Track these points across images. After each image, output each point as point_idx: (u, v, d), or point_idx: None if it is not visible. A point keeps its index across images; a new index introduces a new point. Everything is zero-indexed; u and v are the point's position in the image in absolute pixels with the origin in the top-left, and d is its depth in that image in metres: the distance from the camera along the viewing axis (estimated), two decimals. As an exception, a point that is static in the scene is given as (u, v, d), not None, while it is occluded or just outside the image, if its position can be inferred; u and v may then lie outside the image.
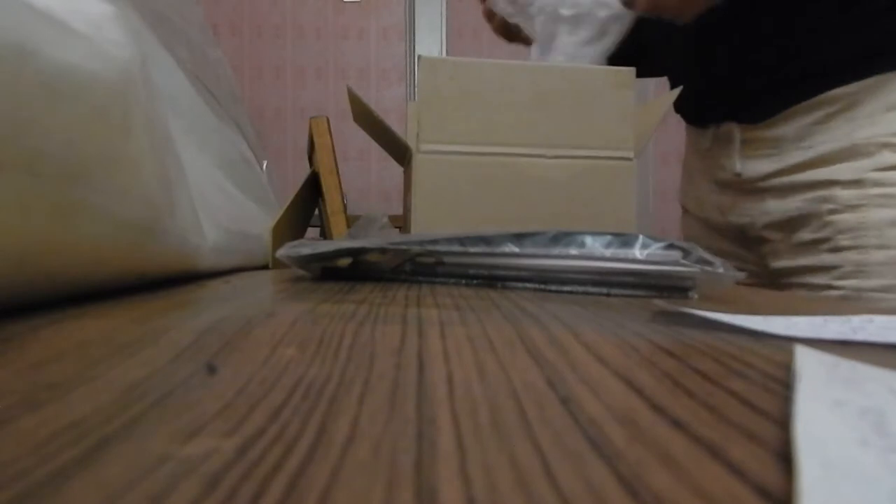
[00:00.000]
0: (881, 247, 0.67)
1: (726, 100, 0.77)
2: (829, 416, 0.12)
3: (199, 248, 0.43)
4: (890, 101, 0.66)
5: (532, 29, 0.78)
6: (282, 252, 0.42)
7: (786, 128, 0.72)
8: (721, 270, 0.36)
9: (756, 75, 0.73)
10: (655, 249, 0.38)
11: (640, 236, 0.39)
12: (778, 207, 0.74)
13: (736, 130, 0.75)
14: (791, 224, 0.73)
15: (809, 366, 0.16)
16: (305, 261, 0.43)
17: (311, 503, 0.08)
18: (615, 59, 0.78)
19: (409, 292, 0.37)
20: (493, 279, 0.42)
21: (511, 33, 0.82)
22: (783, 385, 0.15)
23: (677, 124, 0.87)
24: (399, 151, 0.75)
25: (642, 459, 0.10)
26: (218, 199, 0.58)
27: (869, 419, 0.12)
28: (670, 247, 0.38)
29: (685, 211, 0.89)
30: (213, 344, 0.19)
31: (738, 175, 0.76)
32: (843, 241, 0.68)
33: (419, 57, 0.67)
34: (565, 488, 0.09)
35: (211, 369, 0.16)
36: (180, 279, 0.42)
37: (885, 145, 0.66)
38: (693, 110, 0.83)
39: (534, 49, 0.80)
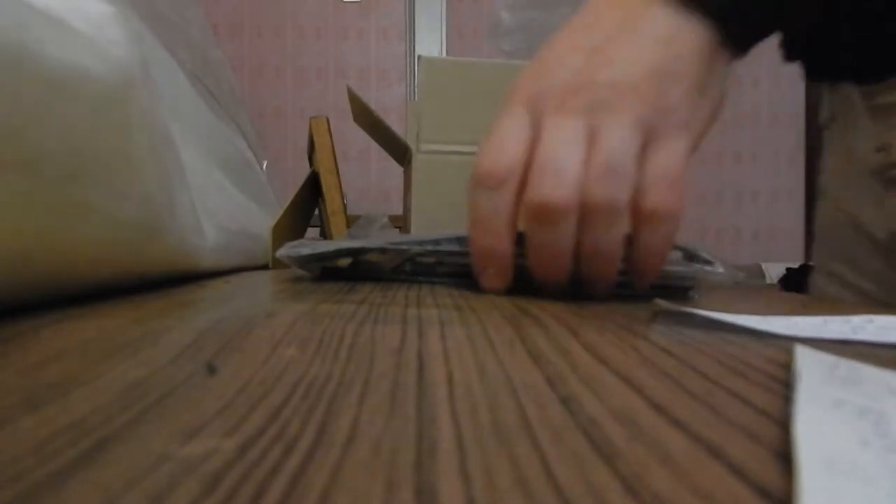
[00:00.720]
0: None
1: (845, 48, 0.52)
2: (829, 416, 0.12)
3: (199, 248, 0.43)
4: None
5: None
6: (282, 252, 0.42)
7: None
8: (721, 270, 0.36)
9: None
10: None
11: None
12: None
13: (856, 94, 0.53)
14: None
15: (809, 366, 0.16)
16: (305, 261, 0.43)
17: (311, 503, 0.08)
18: None
19: (409, 292, 0.37)
20: None
21: None
22: (783, 385, 0.15)
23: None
24: (399, 151, 0.75)
25: (642, 459, 0.10)
26: (218, 199, 0.58)
27: (869, 419, 0.12)
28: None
29: (822, 197, 0.61)
30: (213, 344, 0.19)
31: (881, 150, 0.53)
32: None
33: (419, 57, 0.67)
34: (565, 488, 0.09)
35: (211, 369, 0.16)
36: (180, 279, 0.42)
37: None
38: (803, 56, 0.57)
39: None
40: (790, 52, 0.58)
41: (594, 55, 0.36)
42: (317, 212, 0.88)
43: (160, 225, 0.35)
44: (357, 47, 2.63)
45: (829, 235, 0.60)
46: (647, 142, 0.34)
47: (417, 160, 0.66)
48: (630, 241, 0.35)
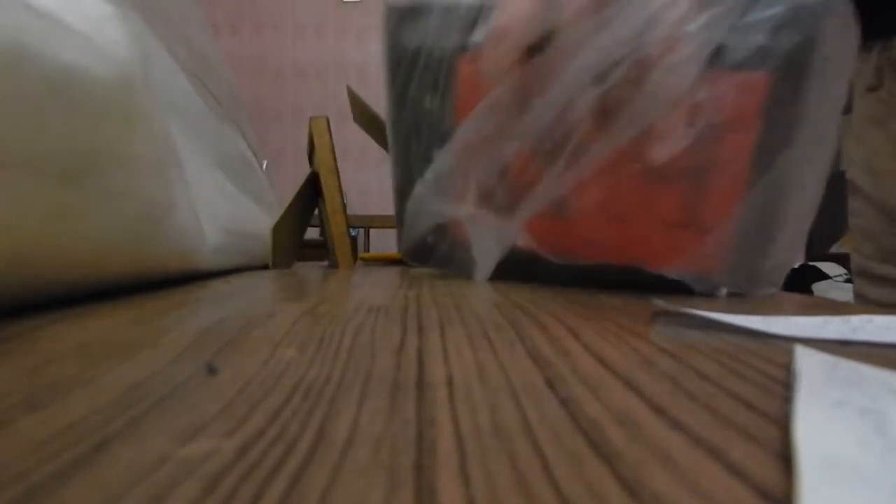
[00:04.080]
0: None
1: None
2: (829, 417, 0.12)
3: (199, 248, 0.43)
4: None
5: None
6: None
7: None
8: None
9: None
10: None
11: None
12: None
13: None
14: None
15: (809, 366, 0.16)
16: None
17: (311, 504, 0.08)
18: None
19: (409, 292, 0.37)
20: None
21: None
22: (783, 385, 0.15)
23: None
24: (399, 151, 0.75)
25: (642, 460, 0.10)
26: (218, 199, 0.58)
27: (869, 419, 0.12)
28: None
29: (854, 190, 0.56)
30: (213, 344, 0.19)
31: None
32: None
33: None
34: (565, 489, 0.09)
35: (211, 370, 0.16)
36: (180, 279, 0.42)
37: None
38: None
39: None
40: None
41: None
42: (317, 212, 0.88)
43: (160, 225, 0.35)
44: (357, 47, 2.62)
45: (864, 227, 0.53)
46: None
47: (417, 160, 0.66)
48: None
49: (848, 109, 0.55)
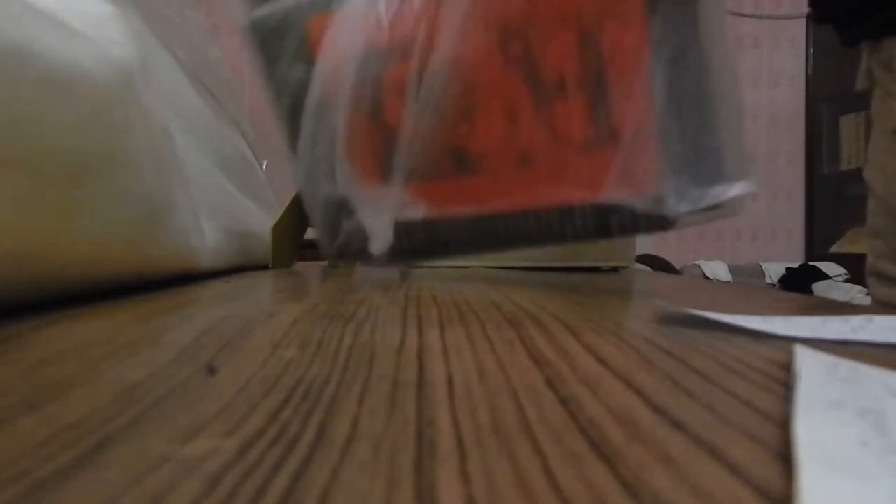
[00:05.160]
0: None
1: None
2: (829, 417, 0.12)
3: (199, 248, 0.43)
4: None
5: None
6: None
7: None
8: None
9: None
10: None
11: None
12: None
13: None
14: None
15: (809, 366, 0.16)
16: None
17: (311, 503, 0.08)
18: None
19: (409, 292, 0.37)
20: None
21: None
22: (783, 385, 0.15)
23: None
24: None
25: (642, 460, 0.10)
26: (218, 199, 0.58)
27: (869, 419, 0.12)
28: None
29: (872, 192, 0.55)
30: (213, 344, 0.19)
31: None
32: None
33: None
34: (565, 488, 0.09)
35: (211, 370, 0.16)
36: (180, 279, 0.42)
37: None
38: (841, 16, 0.52)
39: None
40: (822, 12, 0.53)
41: None
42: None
43: (160, 225, 0.35)
44: (357, 47, 2.62)
45: (879, 229, 0.54)
46: None
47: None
48: None
49: (866, 106, 0.56)
